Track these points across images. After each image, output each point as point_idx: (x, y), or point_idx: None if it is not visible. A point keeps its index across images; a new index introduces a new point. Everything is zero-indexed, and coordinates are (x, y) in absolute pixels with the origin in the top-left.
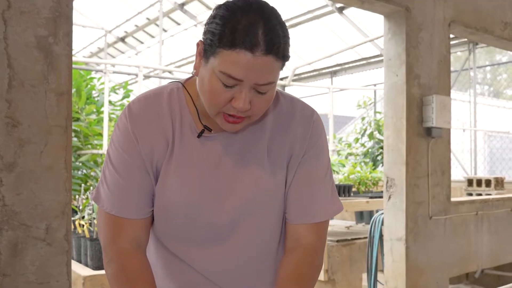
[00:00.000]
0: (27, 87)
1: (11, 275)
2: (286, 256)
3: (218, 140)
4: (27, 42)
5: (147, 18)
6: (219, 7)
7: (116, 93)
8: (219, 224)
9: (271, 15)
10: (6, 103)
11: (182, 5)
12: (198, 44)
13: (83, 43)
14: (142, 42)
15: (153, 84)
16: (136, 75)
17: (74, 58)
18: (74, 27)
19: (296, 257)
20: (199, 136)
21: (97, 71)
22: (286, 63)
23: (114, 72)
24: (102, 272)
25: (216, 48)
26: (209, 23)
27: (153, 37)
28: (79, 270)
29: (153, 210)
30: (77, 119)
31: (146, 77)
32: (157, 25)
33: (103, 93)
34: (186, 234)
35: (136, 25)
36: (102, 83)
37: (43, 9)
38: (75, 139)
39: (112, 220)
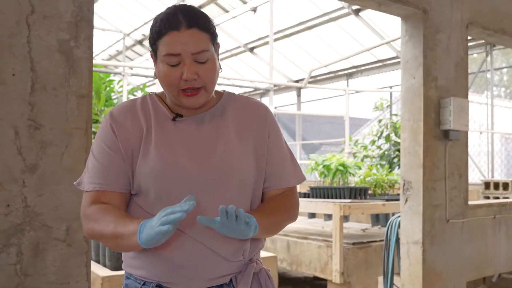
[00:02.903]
0: (49, 90)
1: (33, 275)
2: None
3: (189, 121)
4: (50, 45)
5: None
6: (153, 21)
7: (134, 95)
8: (199, 182)
9: (189, 7)
10: (29, 106)
11: (199, 8)
12: (151, 55)
13: (102, 46)
14: None
15: None
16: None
17: (93, 61)
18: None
19: (273, 197)
20: (173, 119)
21: (115, 73)
22: (301, 65)
23: (132, 75)
24: (121, 272)
25: (156, 43)
26: (149, 33)
27: None
28: (98, 270)
29: (127, 189)
30: (96, 121)
31: None
32: None
33: (121, 95)
34: (170, 196)
35: None
36: (121, 86)
37: (65, 13)
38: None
39: (90, 195)
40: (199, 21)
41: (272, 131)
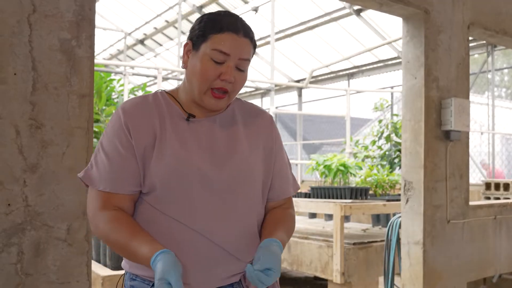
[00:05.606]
0: (50, 89)
1: (33, 274)
2: (268, 215)
3: (202, 123)
4: (51, 45)
5: (166, 21)
6: (202, 16)
7: (135, 95)
8: (214, 184)
9: (241, 18)
10: (30, 105)
11: (200, 8)
12: (186, 45)
13: (103, 45)
14: (161, 45)
15: (171, 85)
16: (155, 77)
17: (94, 60)
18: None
19: (276, 210)
20: (187, 119)
21: (116, 73)
22: (302, 65)
23: (133, 74)
24: (121, 272)
25: (208, 36)
26: (196, 25)
27: (171, 39)
28: (98, 270)
29: (137, 190)
30: (97, 121)
31: (165, 79)
32: (176, 28)
33: (122, 95)
34: (184, 195)
35: (155, 28)
36: (122, 85)
37: (66, 12)
38: (95, 140)
39: (101, 195)
40: (251, 35)
41: (277, 142)
